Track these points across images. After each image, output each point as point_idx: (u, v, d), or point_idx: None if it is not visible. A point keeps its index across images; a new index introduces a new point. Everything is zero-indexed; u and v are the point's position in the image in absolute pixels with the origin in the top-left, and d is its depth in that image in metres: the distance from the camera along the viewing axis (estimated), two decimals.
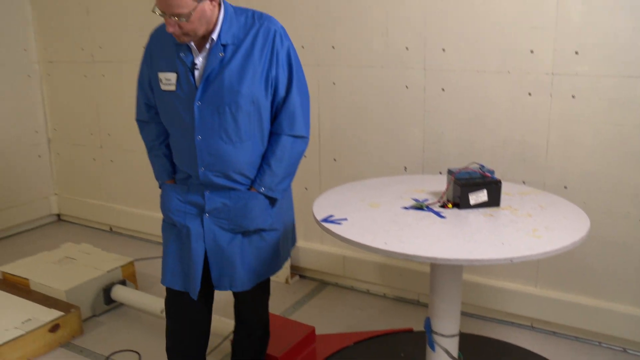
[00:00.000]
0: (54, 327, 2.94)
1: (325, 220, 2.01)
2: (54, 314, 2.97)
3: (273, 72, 1.99)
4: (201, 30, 1.92)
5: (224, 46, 1.96)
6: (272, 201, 2.14)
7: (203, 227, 2.10)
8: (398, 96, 3.07)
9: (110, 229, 4.53)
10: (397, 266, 3.22)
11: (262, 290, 2.31)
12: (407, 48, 2.99)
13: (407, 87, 3.04)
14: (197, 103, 1.98)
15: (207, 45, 1.97)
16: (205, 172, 2.05)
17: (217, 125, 2.00)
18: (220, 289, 2.14)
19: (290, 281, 3.54)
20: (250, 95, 1.97)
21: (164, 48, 2.04)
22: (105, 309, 3.30)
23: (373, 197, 2.25)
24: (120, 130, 4.20)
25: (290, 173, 2.16)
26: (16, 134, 4.46)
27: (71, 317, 3.01)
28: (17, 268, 3.41)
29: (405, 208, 2.09)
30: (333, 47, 3.20)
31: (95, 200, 4.53)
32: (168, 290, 2.23)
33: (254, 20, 2.01)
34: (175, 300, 2.23)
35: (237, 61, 1.96)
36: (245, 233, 2.13)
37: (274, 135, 2.08)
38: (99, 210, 4.51)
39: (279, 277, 3.53)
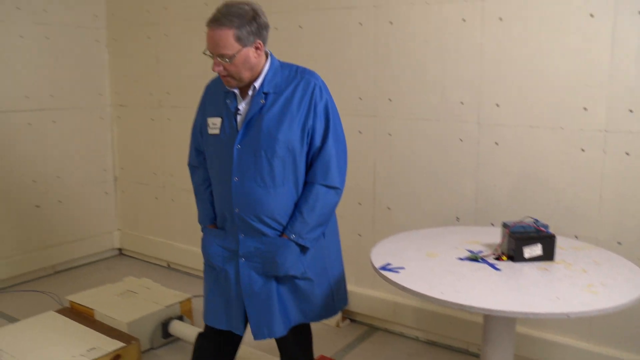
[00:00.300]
0: (116, 357, 3.03)
1: (384, 268, 2.10)
2: (116, 344, 3.08)
3: (310, 122, 2.09)
4: (245, 75, 2.07)
5: (266, 94, 2.10)
6: (303, 249, 2.17)
7: (239, 270, 2.18)
8: (452, 148, 3.16)
9: (168, 265, 4.71)
10: (447, 315, 3.26)
11: (302, 335, 2.38)
12: (462, 102, 3.10)
13: (461, 140, 3.13)
14: (237, 146, 2.11)
15: (250, 93, 2.12)
16: (239, 213, 2.14)
17: (253, 169, 2.10)
18: (258, 338, 2.21)
19: (341, 324, 3.61)
20: (286, 142, 2.07)
21: (215, 96, 2.22)
22: (162, 342, 3.41)
23: (428, 246, 2.33)
24: (182, 172, 4.39)
25: (322, 223, 2.19)
26: (87, 171, 4.72)
27: (131, 349, 3.11)
28: (83, 298, 3.57)
29: (461, 259, 2.17)
30: (390, 100, 3.33)
31: (155, 237, 4.73)
32: (206, 327, 2.36)
33: (297, 73, 2.15)
34: (208, 339, 2.36)
35: (276, 109, 2.09)
36: (278, 278, 2.18)
37: (308, 184, 2.15)
38: (158, 247, 4.70)
39: (330, 321, 3.61)
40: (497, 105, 3.00)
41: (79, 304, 3.52)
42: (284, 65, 2.18)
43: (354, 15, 3.38)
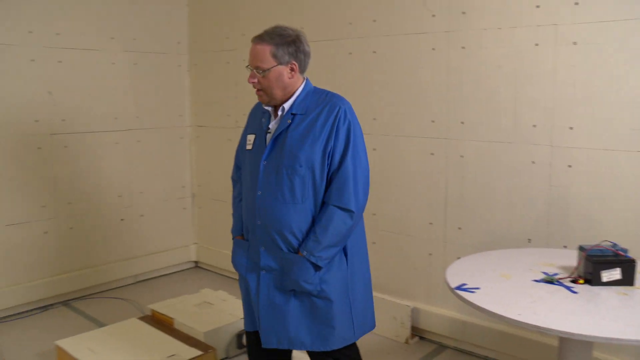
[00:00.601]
0: None
1: (459, 288, 2.16)
2: (194, 352, 3.23)
3: (331, 144, 2.16)
4: (276, 93, 2.21)
5: (294, 115, 2.22)
6: (317, 267, 2.19)
7: (259, 282, 2.27)
8: (524, 171, 3.19)
9: None
10: (518, 335, 3.26)
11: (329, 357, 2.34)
12: (534, 125, 3.13)
13: (533, 162, 3.16)
14: (264, 162, 2.24)
15: (280, 113, 2.25)
16: (261, 226, 2.24)
17: (275, 185, 2.20)
18: (267, 345, 2.28)
19: (410, 341, 3.67)
20: (306, 160, 2.16)
21: (256, 116, 2.40)
22: (237, 352, 3.55)
23: (503, 267, 2.38)
24: None
25: (334, 244, 2.19)
26: (167, 187, 4.99)
27: (208, 357, 3.24)
28: (164, 307, 3.76)
29: (536, 281, 2.21)
30: (462, 123, 3.40)
31: (229, 251, 4.89)
32: (247, 333, 2.50)
33: (326, 97, 2.25)
34: (255, 345, 2.45)
35: (300, 129, 2.19)
36: (296, 293, 2.24)
37: (324, 204, 2.20)
38: None
39: (399, 337, 3.68)
40: (571, 128, 3.01)
41: (159, 313, 3.71)
42: (317, 90, 2.30)
43: (426, 40, 3.48)
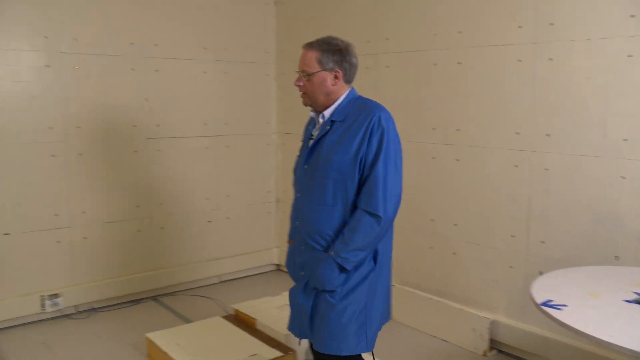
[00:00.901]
0: None
1: (545, 304, 2.13)
2: (274, 353, 3.32)
3: (363, 150, 2.20)
4: (319, 98, 2.31)
5: (333, 122, 2.29)
6: (343, 269, 2.22)
7: (300, 282, 2.38)
8: (613, 185, 3.11)
9: None
10: (604, 356, 3.17)
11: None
12: (625, 140, 3.05)
13: (623, 177, 3.07)
14: (305, 166, 2.35)
15: (321, 120, 2.34)
16: (298, 226, 2.36)
17: (310, 188, 2.31)
18: (290, 328, 2.44)
19: (488, 354, 3.64)
20: (338, 166, 2.22)
21: (308, 125, 2.51)
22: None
23: (590, 285, 2.33)
24: None
25: (362, 247, 2.21)
26: (253, 192, 5.17)
27: (288, 359, 3.34)
28: (247, 308, 3.89)
29: (628, 301, 2.14)
30: (548, 135, 3.35)
31: None
32: None
33: (365, 105, 2.30)
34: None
35: (336, 135, 2.27)
36: (318, 292, 2.30)
37: (356, 208, 2.24)
38: None
39: (477, 349, 3.66)
40: None
41: (242, 313, 3.84)
42: (359, 99, 2.36)
43: (512, 52, 3.46)
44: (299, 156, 2.46)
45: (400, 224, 4.16)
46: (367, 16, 4.33)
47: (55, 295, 4.15)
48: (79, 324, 4.10)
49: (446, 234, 3.93)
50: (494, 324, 3.64)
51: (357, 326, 2.28)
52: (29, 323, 4.10)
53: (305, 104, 2.39)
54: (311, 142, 2.35)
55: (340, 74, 2.30)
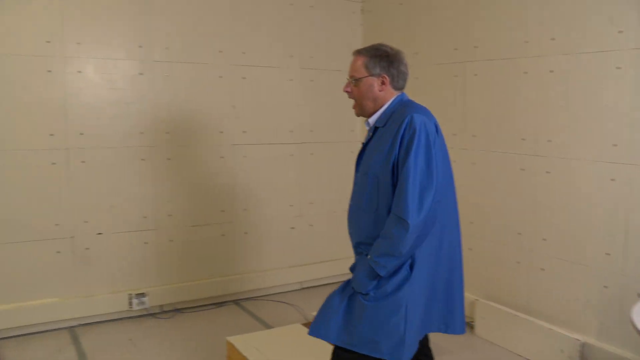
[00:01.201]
0: None
1: None
2: None
3: (395, 153, 2.16)
4: (367, 103, 2.32)
5: (376, 128, 2.30)
6: (376, 273, 2.17)
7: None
8: None
9: None
10: None
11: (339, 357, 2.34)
12: None
13: None
14: (356, 174, 2.38)
15: (367, 128, 2.38)
16: (350, 231, 2.39)
17: (357, 194, 2.34)
18: (311, 333, 2.37)
19: None
20: (375, 171, 2.23)
21: None
22: None
23: None
24: None
25: (391, 252, 2.14)
26: (336, 199, 5.11)
27: None
28: None
29: None
30: None
31: None
32: None
33: (405, 109, 2.24)
34: None
35: (375, 140, 2.28)
36: (354, 293, 2.26)
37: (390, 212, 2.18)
38: None
39: None
40: None
41: None
42: (405, 104, 2.31)
43: (611, 58, 3.26)
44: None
45: (485, 236, 4.07)
46: (454, 24, 4.24)
47: (142, 295, 4.32)
48: (163, 324, 4.25)
49: (534, 249, 3.75)
50: (585, 346, 3.42)
51: (389, 333, 2.18)
52: (116, 320, 4.30)
53: (357, 115, 2.41)
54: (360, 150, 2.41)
55: (387, 79, 2.30)
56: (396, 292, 2.18)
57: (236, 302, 4.72)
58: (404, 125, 2.16)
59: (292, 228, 4.96)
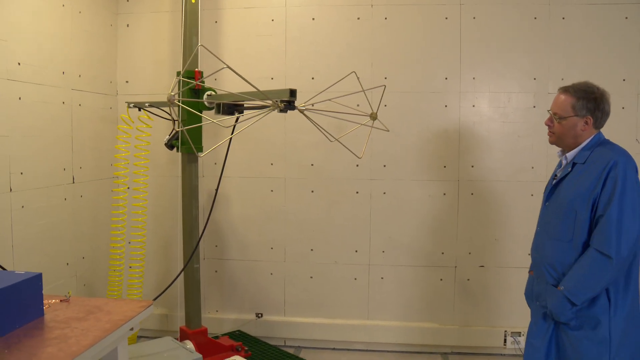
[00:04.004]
0: None
1: None
2: None
3: (597, 191, 2.29)
4: (567, 140, 2.47)
5: (574, 164, 2.43)
6: (571, 303, 2.33)
7: (537, 311, 2.57)
8: None
9: None
10: None
11: None
12: None
13: None
14: (546, 204, 2.56)
15: (564, 162, 2.51)
16: (537, 258, 2.56)
17: (548, 224, 2.51)
18: None
19: None
20: (573, 205, 2.37)
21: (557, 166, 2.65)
22: None
23: None
24: None
25: (590, 287, 2.30)
26: None
27: None
28: None
29: None
30: None
31: None
32: None
33: (607, 149, 2.37)
34: None
35: (575, 176, 2.41)
36: (557, 324, 2.46)
37: (588, 246, 2.32)
38: None
39: None
40: None
41: None
42: (604, 143, 2.43)
43: None
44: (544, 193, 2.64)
45: None
46: None
47: (518, 334, 4.17)
48: None
49: None
50: None
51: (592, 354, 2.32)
52: (488, 354, 4.24)
53: (551, 142, 2.55)
54: (554, 181, 2.53)
55: (591, 120, 2.41)
56: (602, 320, 2.33)
57: None
58: (609, 167, 2.29)
59: None
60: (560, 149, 2.57)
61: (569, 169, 2.46)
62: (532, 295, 2.63)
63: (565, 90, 2.47)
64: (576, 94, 2.42)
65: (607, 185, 2.28)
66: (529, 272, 2.72)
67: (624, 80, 4.05)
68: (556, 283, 2.43)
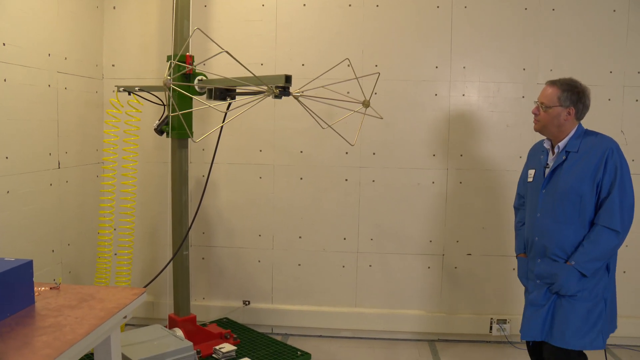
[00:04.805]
0: None
1: None
2: None
3: (600, 176, 2.62)
4: (550, 128, 2.75)
5: (567, 152, 2.71)
6: (582, 275, 2.64)
7: (535, 288, 2.81)
8: None
9: None
10: None
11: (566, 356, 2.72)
12: None
13: None
14: (542, 190, 2.78)
15: (556, 151, 2.77)
16: (538, 241, 2.78)
17: (550, 208, 2.73)
18: (524, 338, 2.83)
19: None
20: (577, 189, 2.64)
21: (535, 154, 2.95)
22: None
23: None
24: None
25: (599, 258, 2.64)
26: None
27: None
28: None
29: None
30: None
31: None
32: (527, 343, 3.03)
33: (597, 138, 2.70)
34: (530, 349, 3.02)
35: (573, 163, 2.68)
36: (559, 296, 2.71)
37: (594, 225, 2.65)
38: None
39: None
40: None
41: None
42: (588, 132, 2.76)
43: None
44: (531, 182, 2.88)
45: None
46: None
47: (504, 321, 4.22)
48: (520, 355, 4.07)
49: None
50: None
51: (593, 326, 2.66)
52: (474, 341, 4.30)
53: (535, 130, 2.82)
54: (547, 170, 2.79)
55: (573, 111, 2.71)
56: (598, 290, 2.68)
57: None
58: (607, 155, 2.60)
59: None
60: (547, 139, 2.84)
61: (564, 157, 2.71)
62: (528, 275, 2.89)
63: (552, 83, 2.76)
64: (562, 87, 2.71)
65: (608, 170, 2.61)
66: (519, 255, 3.00)
67: (610, 72, 4.09)
68: (563, 261, 2.70)
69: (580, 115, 2.75)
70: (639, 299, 4.21)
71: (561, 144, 2.76)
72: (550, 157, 2.82)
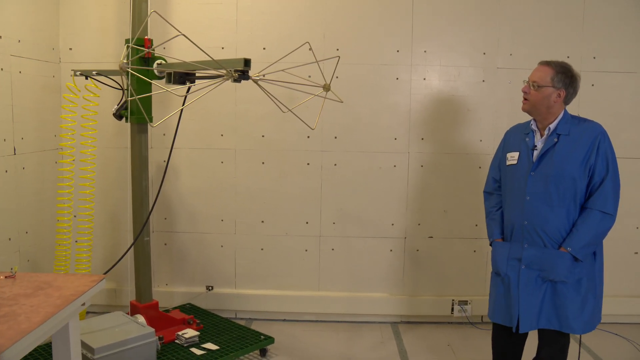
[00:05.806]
0: None
1: None
2: None
3: (592, 161, 2.64)
4: (540, 108, 2.72)
5: (559, 135, 2.70)
6: (576, 260, 2.65)
7: (519, 276, 2.75)
8: None
9: None
10: None
11: (556, 345, 2.79)
12: None
13: None
14: (531, 173, 2.74)
15: (546, 132, 2.74)
16: (527, 225, 2.74)
17: (542, 192, 2.70)
18: (524, 329, 2.75)
19: None
20: (570, 173, 2.64)
21: (515, 136, 2.91)
22: None
23: None
24: None
25: (594, 242, 2.68)
26: None
27: None
28: None
29: None
30: None
31: None
32: (494, 325, 2.99)
33: (586, 123, 2.72)
34: (497, 334, 2.99)
35: (565, 147, 2.67)
36: (553, 282, 2.69)
37: (587, 209, 2.67)
38: None
39: None
40: None
41: None
42: (574, 117, 2.77)
43: None
44: (515, 165, 2.82)
45: None
46: None
47: (465, 302, 4.31)
48: (481, 334, 4.17)
49: None
50: None
51: (593, 308, 2.70)
52: (436, 323, 4.38)
53: (524, 110, 2.79)
54: (535, 152, 2.75)
55: (563, 93, 2.70)
56: (588, 276, 2.70)
57: None
58: (599, 139, 2.64)
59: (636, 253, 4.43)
60: (534, 120, 2.82)
61: (555, 140, 2.70)
62: (510, 262, 2.80)
63: (547, 63, 2.73)
64: (556, 68, 2.69)
65: (600, 155, 2.64)
66: (496, 240, 2.93)
67: (568, 57, 4.14)
68: (556, 246, 2.70)
69: (568, 99, 2.73)
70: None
71: (552, 126, 2.73)
72: (538, 138, 2.78)
